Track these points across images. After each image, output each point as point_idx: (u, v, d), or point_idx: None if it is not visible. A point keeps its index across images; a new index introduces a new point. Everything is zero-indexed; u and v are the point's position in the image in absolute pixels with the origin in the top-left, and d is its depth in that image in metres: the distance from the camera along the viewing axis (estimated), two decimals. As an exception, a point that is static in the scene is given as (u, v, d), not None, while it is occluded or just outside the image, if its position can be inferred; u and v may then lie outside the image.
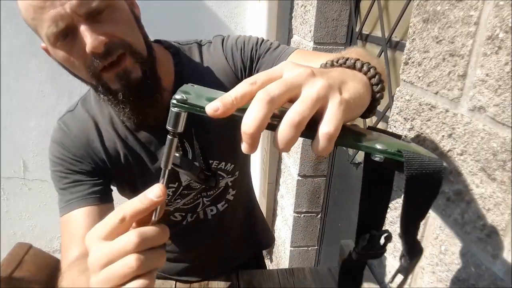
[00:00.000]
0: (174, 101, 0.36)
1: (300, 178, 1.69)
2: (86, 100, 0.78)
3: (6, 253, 1.51)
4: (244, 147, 0.34)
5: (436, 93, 0.64)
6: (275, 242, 2.15)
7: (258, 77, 0.35)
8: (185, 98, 0.36)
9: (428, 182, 0.36)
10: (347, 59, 0.46)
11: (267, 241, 1.17)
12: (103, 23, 0.59)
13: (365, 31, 1.33)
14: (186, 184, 0.82)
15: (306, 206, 1.77)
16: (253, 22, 1.79)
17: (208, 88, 0.41)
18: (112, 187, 0.81)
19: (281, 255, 2.05)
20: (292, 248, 1.87)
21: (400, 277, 0.49)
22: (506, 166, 0.50)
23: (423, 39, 0.67)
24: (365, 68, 0.45)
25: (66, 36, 0.58)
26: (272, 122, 0.33)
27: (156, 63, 0.68)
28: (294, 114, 0.32)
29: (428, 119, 0.66)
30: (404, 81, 0.74)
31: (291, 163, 1.77)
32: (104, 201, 0.74)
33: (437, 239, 0.66)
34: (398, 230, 0.43)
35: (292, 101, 0.34)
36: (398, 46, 1.07)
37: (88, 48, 0.57)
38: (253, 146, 0.33)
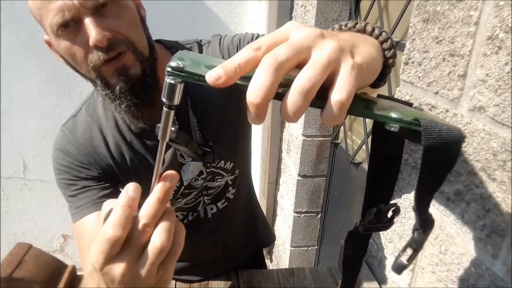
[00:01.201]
0: (169, 69, 0.32)
1: (300, 178, 1.69)
2: (90, 104, 0.78)
3: (6, 253, 1.51)
4: (250, 119, 0.31)
5: (436, 93, 0.64)
6: (275, 242, 2.15)
7: (262, 41, 0.32)
8: (181, 65, 0.32)
9: (446, 153, 0.34)
10: (356, 23, 0.44)
11: (268, 239, 1.17)
12: (108, 18, 0.59)
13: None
14: (188, 184, 0.82)
15: (306, 206, 1.77)
16: (253, 22, 1.79)
17: (206, 55, 0.38)
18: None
19: (281, 255, 2.05)
20: (292, 248, 1.87)
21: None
22: (506, 166, 0.50)
23: (423, 39, 0.67)
24: (376, 31, 0.43)
25: (68, 26, 0.58)
26: (278, 91, 0.30)
27: (157, 64, 0.68)
28: (304, 80, 0.29)
29: (428, 119, 0.66)
30: (404, 81, 0.74)
31: (291, 163, 1.77)
32: None
33: (437, 239, 0.66)
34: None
35: (300, 66, 0.31)
36: (398, 46, 1.07)
37: (92, 41, 0.57)
38: (260, 117, 0.30)
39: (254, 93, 0.29)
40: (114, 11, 0.60)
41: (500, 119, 0.50)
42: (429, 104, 0.66)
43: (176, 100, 0.35)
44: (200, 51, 0.80)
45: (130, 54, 0.62)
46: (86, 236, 0.71)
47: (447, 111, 0.61)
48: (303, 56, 0.31)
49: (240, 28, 1.82)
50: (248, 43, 0.78)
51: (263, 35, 0.81)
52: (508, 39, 0.49)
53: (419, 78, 0.69)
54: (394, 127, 0.34)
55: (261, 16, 1.70)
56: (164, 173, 0.41)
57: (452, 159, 0.35)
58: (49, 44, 0.66)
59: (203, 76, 0.31)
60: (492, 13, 0.51)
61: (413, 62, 0.71)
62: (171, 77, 0.33)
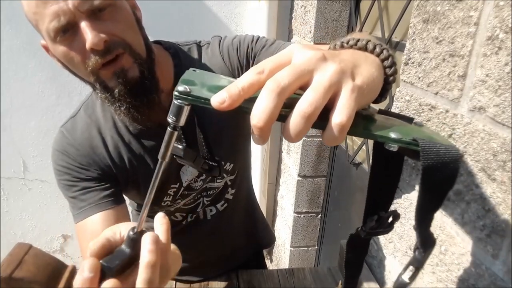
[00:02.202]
0: (176, 93, 0.34)
1: (300, 179, 1.69)
2: (89, 105, 0.77)
3: (6, 253, 1.51)
4: (254, 140, 0.32)
5: (436, 93, 0.64)
6: (275, 242, 2.15)
7: (266, 65, 0.33)
8: (188, 90, 0.33)
9: (445, 172, 0.35)
10: (358, 40, 0.44)
11: (268, 240, 1.17)
12: (104, 21, 0.59)
13: (365, 31, 1.33)
14: (187, 185, 0.82)
15: (306, 206, 1.77)
16: (253, 22, 1.79)
17: (212, 74, 0.39)
18: None
19: (281, 255, 2.05)
20: (292, 248, 1.87)
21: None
22: (506, 166, 0.50)
23: (423, 40, 0.67)
24: (377, 49, 0.43)
25: (66, 31, 0.58)
26: (282, 113, 0.31)
27: (155, 65, 0.68)
28: (306, 104, 0.31)
29: (428, 119, 0.67)
30: (404, 81, 0.74)
31: (291, 163, 1.77)
32: (117, 203, 0.74)
33: (437, 239, 0.66)
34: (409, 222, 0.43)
35: (303, 87, 0.32)
36: (398, 46, 1.07)
37: (88, 44, 0.57)
38: (264, 138, 0.32)
39: (258, 116, 0.30)
40: (110, 14, 0.60)
41: (500, 119, 0.50)
42: (429, 105, 0.66)
43: (182, 122, 0.36)
44: (199, 53, 0.80)
45: (127, 57, 0.62)
46: (90, 235, 0.71)
47: (447, 111, 0.62)
48: (305, 79, 0.32)
49: (240, 29, 1.82)
50: (248, 45, 0.79)
51: (263, 37, 0.81)
52: (508, 40, 0.49)
53: (419, 78, 0.69)
54: (393, 147, 0.34)
55: (261, 16, 1.70)
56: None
57: (451, 179, 0.35)
58: (46, 48, 0.66)
59: (209, 100, 0.32)
60: (492, 13, 0.51)
61: (413, 63, 0.71)
62: (178, 101, 0.34)
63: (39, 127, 1.87)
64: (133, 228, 0.44)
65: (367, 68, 0.38)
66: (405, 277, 0.47)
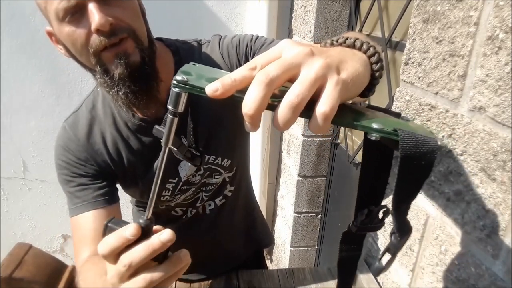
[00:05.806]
0: (175, 82, 0.37)
1: (300, 178, 1.69)
2: (90, 100, 0.79)
3: (6, 253, 1.51)
4: (246, 127, 0.35)
5: (436, 93, 0.64)
6: (275, 242, 2.15)
7: (258, 61, 0.36)
8: (185, 79, 0.36)
9: (422, 161, 0.37)
10: (346, 38, 0.47)
11: (267, 240, 1.18)
12: (111, 6, 0.61)
13: (365, 31, 1.33)
14: (186, 180, 0.83)
15: (306, 206, 1.77)
16: (253, 22, 1.79)
17: (210, 68, 0.42)
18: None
19: (281, 255, 2.05)
20: (292, 248, 1.87)
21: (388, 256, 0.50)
22: (506, 166, 0.50)
23: (423, 40, 0.67)
24: (364, 46, 0.46)
25: (74, 13, 0.60)
26: (272, 103, 0.34)
27: (156, 56, 0.69)
28: (293, 96, 0.33)
29: (428, 119, 0.67)
30: (404, 81, 0.74)
31: (291, 163, 1.77)
32: (110, 202, 0.76)
33: (437, 239, 0.66)
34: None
35: (291, 80, 0.35)
36: (398, 46, 1.07)
37: (94, 25, 0.58)
38: (254, 126, 0.34)
39: (248, 105, 0.33)
40: (118, 2, 0.62)
41: (500, 119, 0.50)
42: (429, 104, 0.66)
43: (180, 108, 0.39)
44: (199, 50, 0.80)
45: (130, 41, 0.63)
46: (81, 231, 0.75)
47: (447, 111, 0.62)
48: (293, 72, 0.35)
49: (240, 28, 1.82)
50: (247, 43, 0.79)
51: (262, 36, 0.81)
52: (508, 39, 0.49)
53: (419, 78, 0.69)
54: (375, 137, 0.37)
55: (261, 16, 1.70)
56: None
57: (427, 168, 0.37)
58: (50, 35, 0.67)
59: (204, 89, 0.35)
60: (492, 13, 0.51)
61: (413, 63, 0.71)
62: (176, 89, 0.37)
63: (39, 127, 1.87)
64: (142, 217, 0.46)
65: (353, 63, 0.40)
66: (382, 262, 0.49)
